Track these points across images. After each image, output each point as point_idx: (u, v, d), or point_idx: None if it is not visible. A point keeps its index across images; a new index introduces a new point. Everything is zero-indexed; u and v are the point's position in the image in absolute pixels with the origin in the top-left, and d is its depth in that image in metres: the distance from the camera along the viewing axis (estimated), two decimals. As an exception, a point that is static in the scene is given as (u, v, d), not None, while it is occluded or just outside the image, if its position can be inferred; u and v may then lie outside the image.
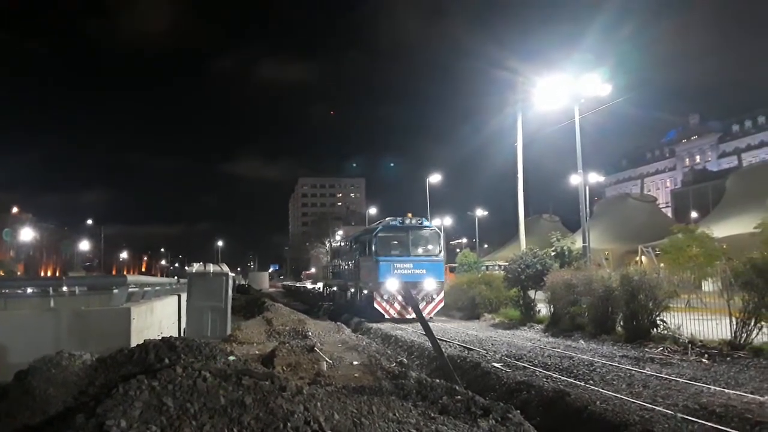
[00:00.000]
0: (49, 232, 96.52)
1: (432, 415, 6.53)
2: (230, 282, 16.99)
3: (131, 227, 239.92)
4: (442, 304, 23.22)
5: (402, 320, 21.94)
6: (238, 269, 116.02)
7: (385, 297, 22.02)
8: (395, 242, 23.39)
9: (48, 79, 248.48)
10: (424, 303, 21.84)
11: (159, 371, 4.83)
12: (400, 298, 21.60)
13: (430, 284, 22.42)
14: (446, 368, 10.11)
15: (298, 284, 75.36)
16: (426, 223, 24.23)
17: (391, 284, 21.78)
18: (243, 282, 72.82)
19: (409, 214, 23.74)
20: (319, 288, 46.88)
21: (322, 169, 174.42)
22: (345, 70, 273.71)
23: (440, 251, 23.67)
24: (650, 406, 7.95)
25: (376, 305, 22.14)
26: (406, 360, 13.14)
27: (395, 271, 22.10)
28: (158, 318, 13.28)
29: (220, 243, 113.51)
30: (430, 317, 21.63)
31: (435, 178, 42.58)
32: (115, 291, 10.82)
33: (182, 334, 14.87)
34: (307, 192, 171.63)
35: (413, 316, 18.77)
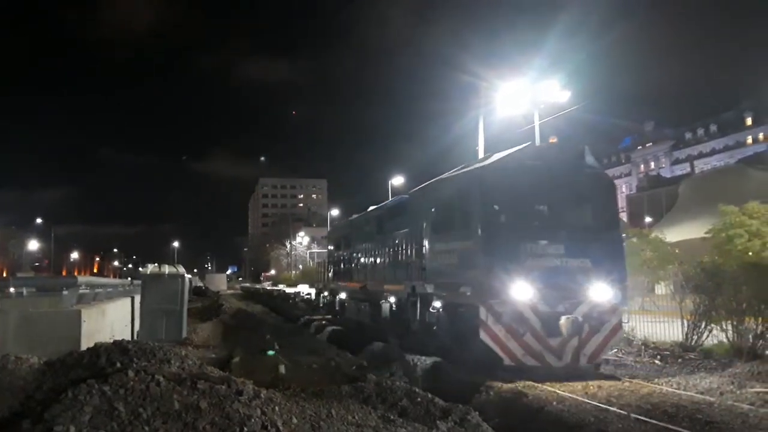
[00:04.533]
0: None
1: (391, 417, 6.52)
2: (186, 284, 16.64)
3: (85, 227, 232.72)
4: (622, 334, 11.70)
5: (536, 371, 10.21)
6: (195, 271, 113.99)
7: (506, 319, 10.28)
8: (523, 199, 11.28)
9: (3, 70, 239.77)
10: (584, 332, 10.51)
11: (110, 375, 4.68)
12: (536, 323, 10.32)
13: (600, 292, 10.58)
14: None
15: (258, 286, 74.34)
16: (589, 159, 11.77)
17: (521, 291, 10.27)
18: (200, 284, 71.57)
19: (553, 139, 12.60)
20: (306, 294, 34.27)
21: (284, 170, 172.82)
22: (312, 72, 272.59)
23: (617, 220, 12.32)
24: (604, 406, 8.10)
25: (483, 335, 10.30)
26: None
27: (528, 261, 10.54)
28: (110, 321, 12.91)
29: (176, 244, 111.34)
30: (596, 362, 10.82)
31: (398, 181, 42.51)
32: (65, 293, 10.48)
33: (135, 338, 14.51)
34: (268, 192, 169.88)
35: (564, 363, 10.24)
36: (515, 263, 10.43)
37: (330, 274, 24.62)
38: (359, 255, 19.94)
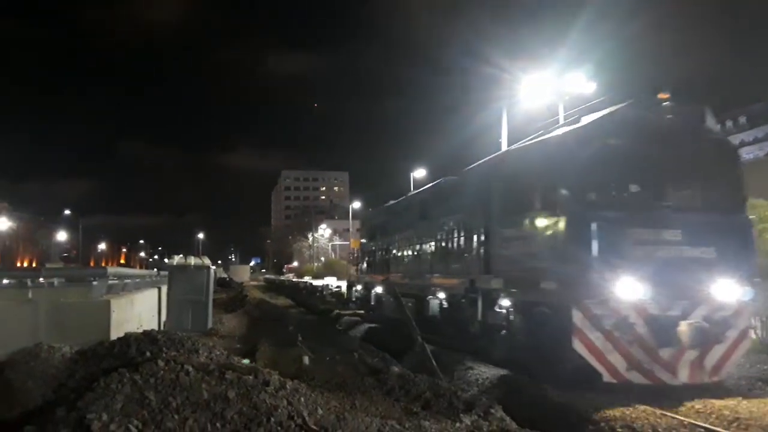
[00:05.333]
0: (25, 222, 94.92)
1: (414, 410, 6.56)
2: (212, 275, 16.85)
3: (112, 218, 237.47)
4: (748, 344, 9.10)
5: (643, 391, 8.03)
6: (219, 262, 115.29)
7: (606, 324, 8.31)
8: (630, 171, 9.12)
9: (31, 64, 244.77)
10: (705, 342, 8.37)
11: (141, 365, 4.79)
12: (645, 329, 8.30)
13: (725, 289, 8.55)
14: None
15: (282, 278, 74.80)
16: (710, 123, 9.50)
17: (627, 288, 8.23)
18: (224, 275, 72.39)
19: (664, 95, 9.11)
20: (335, 287, 33.76)
21: (306, 162, 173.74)
22: (334, 64, 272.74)
23: (744, 198, 9.60)
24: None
25: (577, 344, 8.30)
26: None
27: (636, 250, 8.46)
28: (138, 311, 13.12)
29: (201, 235, 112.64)
30: (720, 378, 8.68)
31: (420, 173, 42.38)
32: (95, 283, 10.67)
33: (162, 328, 14.74)
34: (290, 185, 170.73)
35: (680, 380, 8.31)
36: (619, 253, 8.24)
37: (363, 266, 22.83)
38: (399, 245, 17.97)
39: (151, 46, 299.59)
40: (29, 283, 10.16)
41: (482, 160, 12.65)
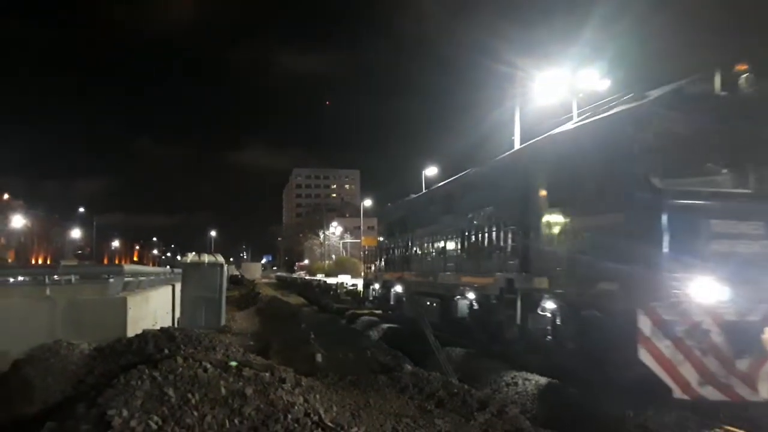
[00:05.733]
0: (40, 219, 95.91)
1: (428, 408, 6.58)
2: (225, 273, 16.95)
3: (125, 216, 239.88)
4: None
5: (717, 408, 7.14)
6: (231, 259, 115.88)
7: (677, 331, 7.09)
8: (706, 153, 7.78)
9: (48, 62, 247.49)
10: None
11: (160, 361, 4.85)
12: (722, 337, 7.07)
13: None
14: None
15: (294, 275, 75.09)
16: None
17: (702, 290, 7.13)
18: (236, 272, 72.78)
19: (742, 66, 7.46)
20: (351, 285, 32.46)
21: (318, 160, 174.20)
22: (346, 63, 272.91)
23: None
24: None
25: (643, 354, 7.08)
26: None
27: (712, 245, 7.26)
28: (153, 308, 13.25)
29: (213, 233, 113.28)
30: None
31: (431, 171, 42.30)
32: (111, 280, 10.78)
33: (176, 325, 14.84)
34: (302, 183, 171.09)
35: (763, 395, 7.11)
36: (692, 248, 7.15)
37: (381, 264, 21.68)
38: (421, 241, 16.87)
39: (166, 46, 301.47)
40: (47, 280, 10.27)
41: (518, 147, 11.80)
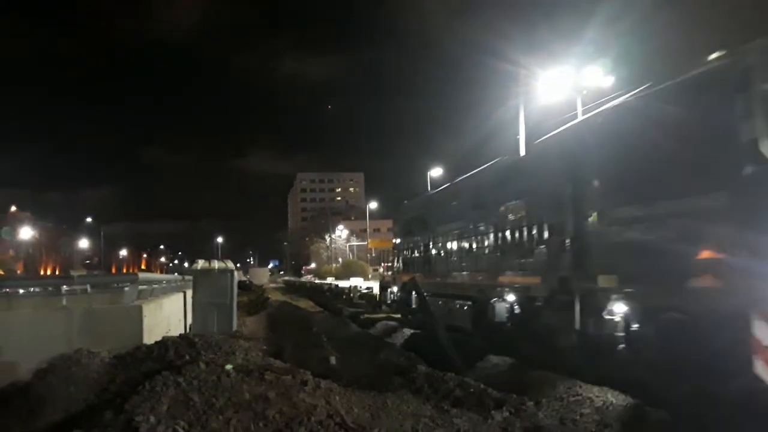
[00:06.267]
0: (47, 230, 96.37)
1: (445, 407, 6.62)
2: (235, 278, 17.03)
3: (132, 225, 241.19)
4: None
5: None
6: (238, 265, 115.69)
7: None
8: None
9: (52, 72, 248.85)
10: None
11: (183, 367, 4.92)
12: None
13: None
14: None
15: (303, 279, 75.20)
16: None
17: None
18: (244, 278, 72.93)
19: None
20: (365, 289, 30.04)
21: (322, 164, 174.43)
22: (347, 65, 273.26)
23: None
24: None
25: (760, 366, 5.66)
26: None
27: None
28: (166, 315, 13.32)
29: (219, 239, 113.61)
30: None
31: (436, 172, 42.27)
32: (126, 288, 10.86)
33: (188, 331, 14.93)
34: (306, 187, 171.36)
35: None
36: None
37: (398, 265, 20.09)
38: (446, 239, 15.51)
39: (170, 53, 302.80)
40: (63, 289, 10.36)
41: (566, 126, 10.23)
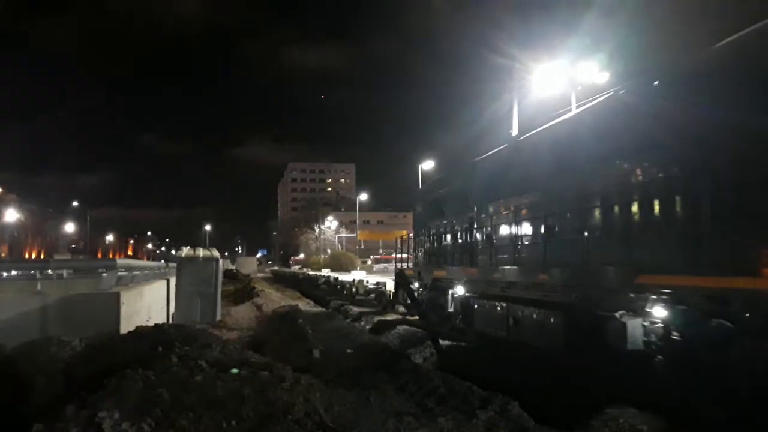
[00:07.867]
0: (33, 213, 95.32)
1: (429, 405, 6.43)
2: (220, 267, 16.76)
3: (120, 210, 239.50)
4: None
5: None
6: (226, 254, 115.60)
7: None
8: None
9: (44, 56, 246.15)
10: None
11: (153, 360, 4.65)
12: None
13: None
14: None
15: (294, 269, 74.59)
16: None
17: None
18: (231, 267, 72.52)
19: None
20: (374, 284, 24.39)
21: (314, 155, 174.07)
22: (341, 57, 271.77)
23: None
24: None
25: None
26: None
27: None
28: (147, 303, 13.04)
29: (208, 227, 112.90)
30: None
31: (428, 165, 42.00)
32: (104, 275, 10.58)
33: (171, 320, 14.66)
34: (297, 177, 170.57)
35: None
36: None
37: (420, 257, 16.34)
38: (500, 219, 11.16)
39: (161, 41, 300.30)
40: (38, 275, 10.06)
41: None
